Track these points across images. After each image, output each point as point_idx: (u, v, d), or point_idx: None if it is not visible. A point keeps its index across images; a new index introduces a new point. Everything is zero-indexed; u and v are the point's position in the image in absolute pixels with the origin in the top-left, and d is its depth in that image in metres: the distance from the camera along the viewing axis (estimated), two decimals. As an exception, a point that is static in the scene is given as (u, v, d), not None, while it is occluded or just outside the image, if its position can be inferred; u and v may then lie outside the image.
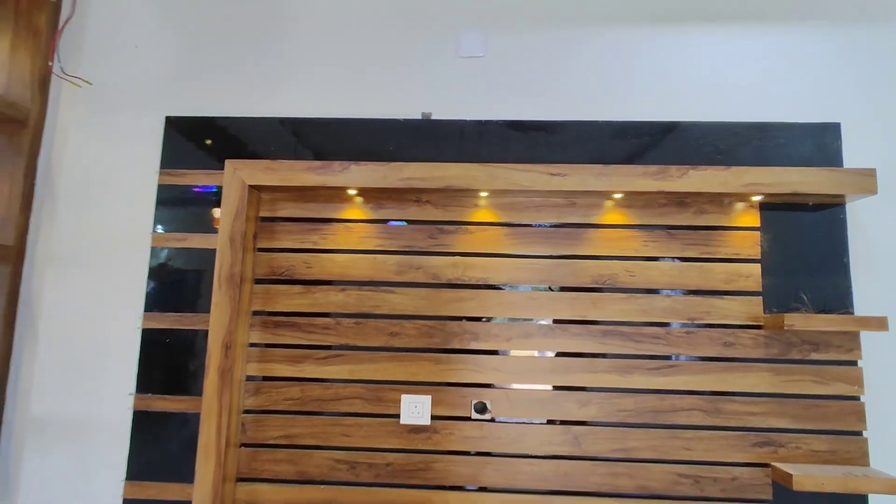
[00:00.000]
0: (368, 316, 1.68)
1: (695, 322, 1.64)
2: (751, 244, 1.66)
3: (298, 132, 1.78)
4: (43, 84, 1.84)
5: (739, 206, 1.68)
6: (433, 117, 1.78)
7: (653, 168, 1.56)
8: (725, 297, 1.64)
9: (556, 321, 1.66)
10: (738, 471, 1.57)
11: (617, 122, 1.74)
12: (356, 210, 1.73)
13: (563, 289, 1.67)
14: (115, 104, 1.85)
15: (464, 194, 1.68)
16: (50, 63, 1.83)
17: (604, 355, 1.64)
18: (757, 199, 1.64)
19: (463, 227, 1.71)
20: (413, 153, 1.75)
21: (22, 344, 1.74)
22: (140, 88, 1.85)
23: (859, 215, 1.68)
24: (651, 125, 1.73)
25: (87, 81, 1.83)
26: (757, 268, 1.65)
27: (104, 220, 1.79)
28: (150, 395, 1.68)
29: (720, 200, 1.67)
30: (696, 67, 1.78)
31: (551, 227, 1.70)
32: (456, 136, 1.76)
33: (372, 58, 1.83)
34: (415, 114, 1.79)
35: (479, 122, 1.76)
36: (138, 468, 1.65)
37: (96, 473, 1.67)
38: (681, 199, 1.67)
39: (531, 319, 1.66)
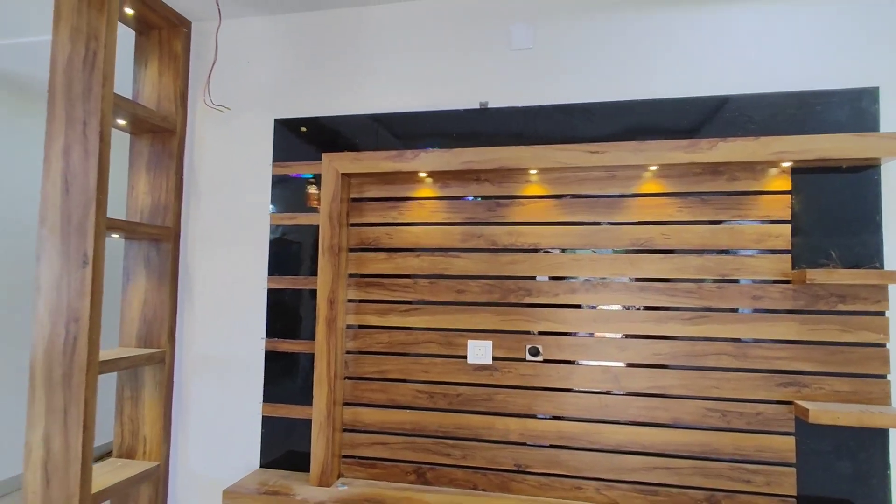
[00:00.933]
0: (439, 276, 2.05)
1: (725, 278, 1.84)
2: (782, 206, 1.81)
3: (379, 125, 2.15)
4: (183, 99, 2.34)
5: (772, 171, 1.82)
6: (489, 105, 2.07)
7: (684, 142, 1.76)
8: (756, 255, 1.82)
9: (598, 279, 1.93)
10: (762, 407, 1.79)
11: (655, 100, 1.93)
12: (427, 189, 2.09)
13: (605, 251, 1.93)
14: (236, 111, 2.31)
15: (515, 172, 1.97)
16: (203, 98, 2.32)
17: (641, 307, 1.89)
18: (786, 165, 1.78)
19: (516, 200, 2.01)
20: (473, 138, 2.06)
21: (183, 301, 2.31)
22: (254, 97, 2.30)
23: (893, 176, 1.76)
24: (688, 101, 1.90)
25: (227, 108, 2.30)
26: (787, 228, 1.80)
27: (234, 204, 2.28)
28: (276, 339, 2.18)
29: (752, 167, 1.82)
30: (733, 43, 1.91)
31: (594, 197, 1.95)
32: (510, 120, 2.04)
33: (436, 58, 2.14)
34: (473, 103, 2.08)
35: (530, 107, 2.02)
36: (271, 394, 2.17)
37: (241, 398, 2.21)
38: (714, 168, 1.85)
39: (576, 278, 1.95)
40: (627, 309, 1.91)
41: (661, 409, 1.87)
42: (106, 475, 2.04)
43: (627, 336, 1.90)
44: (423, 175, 2.04)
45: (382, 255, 2.11)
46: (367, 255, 2.12)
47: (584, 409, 1.92)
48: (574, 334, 1.94)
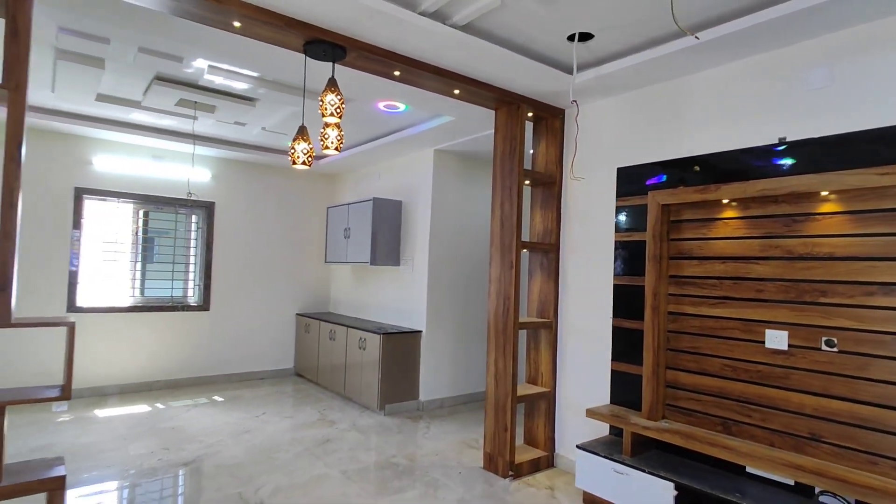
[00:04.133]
0: (741, 279, 2.65)
1: None
2: None
3: (692, 164, 2.90)
4: (559, 162, 3.65)
5: None
6: (787, 139, 2.54)
7: None
8: None
9: (890, 283, 2.17)
10: None
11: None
12: (731, 211, 2.72)
13: (903, 259, 2.15)
14: (591, 165, 3.46)
15: (809, 194, 2.40)
16: (568, 174, 3.61)
17: (946, 311, 2.04)
18: None
19: (811, 216, 2.43)
20: (771, 169, 2.57)
21: (561, 290, 3.60)
22: (602, 154, 3.39)
23: None
24: None
25: (582, 178, 3.51)
26: None
27: (591, 227, 3.43)
28: (619, 318, 3.21)
29: None
30: None
31: (889, 211, 2.19)
32: (804, 150, 2.46)
33: (739, 107, 2.73)
34: (772, 139, 2.59)
35: (825, 137, 2.40)
36: (616, 355, 3.21)
37: (597, 356, 3.34)
38: None
39: (872, 283, 2.23)
40: (930, 312, 2.08)
41: (973, 408, 1.98)
42: (522, 388, 3.53)
43: (931, 337, 2.08)
44: (725, 202, 2.69)
45: (695, 261, 2.85)
46: (683, 262, 2.90)
47: (881, 396, 2.19)
48: (872, 332, 2.24)
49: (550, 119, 3.69)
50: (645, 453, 2.88)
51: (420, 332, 4.96)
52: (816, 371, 2.39)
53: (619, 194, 3.26)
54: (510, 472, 3.33)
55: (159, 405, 4.82)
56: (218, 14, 2.32)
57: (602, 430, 3.26)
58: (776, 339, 2.52)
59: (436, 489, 3.15)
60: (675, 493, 2.54)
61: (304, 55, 2.71)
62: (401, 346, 4.84)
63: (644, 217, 3.10)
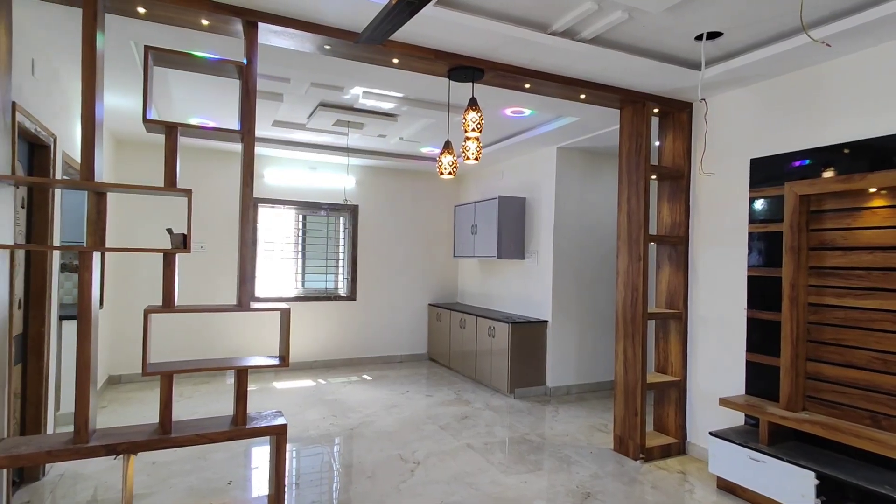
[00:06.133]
0: (892, 269, 2.57)
1: None
2: None
3: (830, 154, 2.83)
4: (687, 154, 3.69)
5: None
6: (946, 123, 2.42)
7: None
8: None
9: None
10: None
11: None
12: (880, 200, 2.63)
13: None
14: (721, 157, 3.47)
15: (971, 180, 2.28)
16: (698, 170, 3.66)
17: None
18: None
19: (975, 203, 2.30)
20: (926, 154, 2.46)
21: (690, 282, 3.66)
22: (734, 145, 3.39)
23: None
24: None
25: (712, 173, 3.53)
26: None
27: (722, 219, 3.45)
28: (754, 309, 3.21)
29: None
30: None
31: None
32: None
33: (879, 92, 2.63)
34: (928, 123, 2.48)
35: None
36: (752, 346, 3.22)
37: (729, 346, 3.36)
38: None
39: None
40: None
41: None
42: (651, 376, 3.66)
43: None
44: (873, 190, 2.62)
45: (838, 252, 2.80)
46: (825, 253, 2.85)
47: None
48: None
49: (677, 113, 3.74)
50: (782, 443, 2.90)
51: (546, 321, 5.23)
52: (982, 366, 2.27)
53: (753, 185, 3.25)
54: (640, 455, 3.50)
55: (321, 381, 5.66)
56: (382, 55, 2.80)
57: (734, 419, 3.30)
58: (934, 332, 2.42)
59: (569, 465, 3.44)
60: (817, 482, 2.56)
61: (447, 79, 3.12)
62: (528, 335, 5.15)
63: (780, 208, 3.07)
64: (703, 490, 3.09)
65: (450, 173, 3.18)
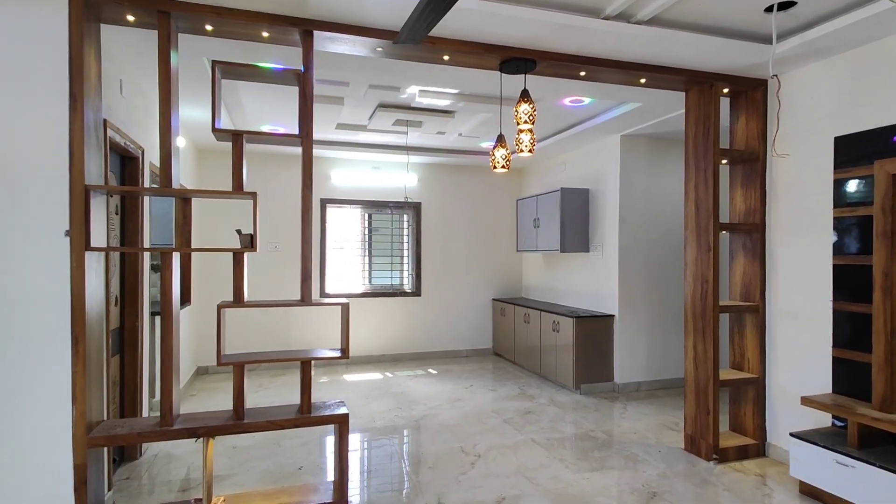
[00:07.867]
0: None
1: None
2: None
3: (933, 127, 2.53)
4: (762, 136, 3.43)
5: None
6: None
7: None
8: None
9: None
10: None
11: None
12: None
13: None
14: (799, 137, 3.19)
15: None
16: (770, 153, 3.40)
17: None
18: None
19: None
20: None
21: (768, 272, 3.41)
22: (814, 123, 3.11)
23: None
24: None
25: (787, 154, 3.26)
26: None
27: (802, 203, 3.18)
28: (842, 301, 2.94)
29: None
30: None
31: None
32: None
33: None
34: None
35: None
36: (839, 341, 2.95)
37: (812, 342, 3.10)
38: None
39: None
40: None
41: None
42: (725, 373, 3.46)
43: None
44: (981, 165, 2.31)
45: (940, 236, 2.50)
46: (925, 237, 2.56)
47: None
48: None
49: (750, 92, 3.49)
50: (874, 447, 2.64)
51: (612, 316, 5.07)
52: None
53: (838, 166, 2.97)
54: (714, 456, 3.31)
55: (388, 374, 5.83)
56: (432, 52, 2.84)
57: (818, 420, 3.04)
58: None
59: (635, 463, 3.32)
60: (916, 491, 2.32)
61: (499, 72, 3.11)
62: (593, 330, 5.02)
63: (870, 189, 2.79)
64: (783, 494, 2.88)
65: (503, 167, 3.16)
